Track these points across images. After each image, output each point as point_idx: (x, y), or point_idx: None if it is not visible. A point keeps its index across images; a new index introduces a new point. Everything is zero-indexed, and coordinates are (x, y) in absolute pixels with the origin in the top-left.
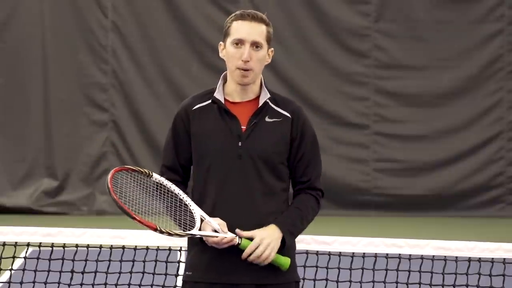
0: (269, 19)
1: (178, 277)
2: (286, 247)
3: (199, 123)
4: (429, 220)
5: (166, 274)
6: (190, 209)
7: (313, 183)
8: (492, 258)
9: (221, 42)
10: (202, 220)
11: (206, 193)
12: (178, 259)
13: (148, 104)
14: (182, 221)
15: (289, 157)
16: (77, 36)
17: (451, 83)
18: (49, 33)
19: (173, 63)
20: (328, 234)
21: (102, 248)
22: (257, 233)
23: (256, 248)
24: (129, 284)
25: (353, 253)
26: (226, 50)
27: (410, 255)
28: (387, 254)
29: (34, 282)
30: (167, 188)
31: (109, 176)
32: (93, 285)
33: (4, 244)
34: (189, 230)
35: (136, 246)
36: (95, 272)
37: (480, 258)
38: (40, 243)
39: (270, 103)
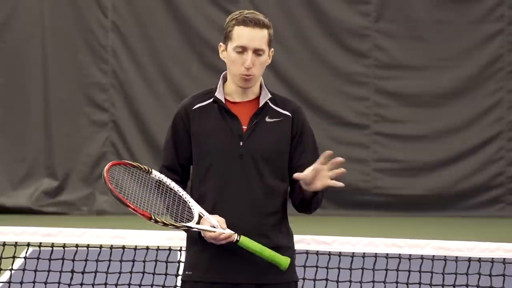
0: (269, 19)
1: (178, 277)
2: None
3: (199, 123)
4: (429, 220)
5: (166, 274)
6: (188, 205)
7: None
8: (492, 258)
9: (221, 44)
10: (200, 217)
11: (206, 193)
12: (178, 259)
13: (148, 104)
14: (179, 215)
15: (289, 155)
16: (77, 36)
17: (451, 83)
18: (49, 33)
19: (173, 63)
20: (328, 234)
21: (102, 248)
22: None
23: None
24: (129, 284)
25: (353, 253)
26: (228, 55)
27: (410, 255)
28: (387, 254)
29: (34, 282)
30: (166, 184)
31: (106, 167)
32: (93, 285)
33: (4, 244)
34: (186, 223)
35: (136, 246)
36: (95, 272)
37: (480, 258)
38: (40, 243)
39: (270, 103)
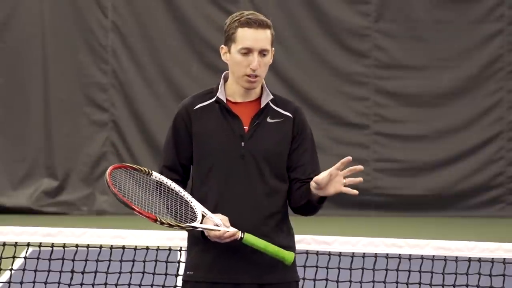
0: (269, 19)
1: (178, 277)
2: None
3: (201, 123)
4: (429, 220)
5: (166, 274)
6: (191, 205)
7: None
8: (492, 258)
9: (223, 46)
10: (203, 216)
11: (208, 193)
12: (178, 259)
13: (148, 104)
14: (183, 216)
15: (289, 155)
16: (77, 36)
17: (451, 83)
18: (49, 33)
19: (173, 63)
20: (328, 234)
21: (102, 248)
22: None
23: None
24: (129, 284)
25: (353, 253)
26: (232, 57)
27: (410, 255)
28: (387, 254)
29: (34, 282)
30: (167, 186)
31: (108, 171)
32: (93, 285)
33: (4, 244)
34: (191, 223)
35: (136, 246)
36: (95, 272)
37: (480, 258)
38: (40, 243)
39: (271, 104)
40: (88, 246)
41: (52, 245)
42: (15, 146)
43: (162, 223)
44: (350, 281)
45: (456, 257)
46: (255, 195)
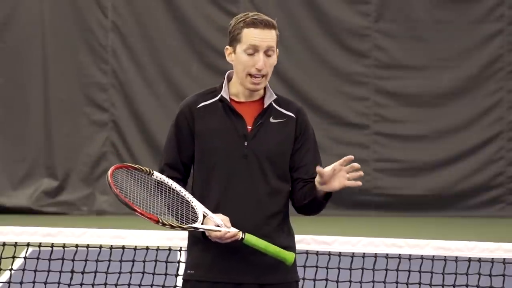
0: (274, 19)
1: (178, 277)
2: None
3: (204, 121)
4: (429, 220)
5: (166, 274)
6: (192, 205)
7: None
8: (492, 258)
9: (227, 47)
10: (204, 216)
11: (209, 192)
12: (178, 259)
13: (148, 104)
14: (184, 216)
15: (292, 155)
16: (77, 36)
17: (451, 83)
18: (49, 33)
19: (173, 63)
20: (328, 234)
21: (102, 248)
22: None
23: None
24: (129, 284)
25: (353, 253)
26: (237, 57)
27: (410, 255)
28: (387, 254)
29: (34, 282)
30: (168, 185)
31: (110, 172)
32: (93, 285)
33: (4, 244)
34: (192, 224)
35: (136, 246)
36: (95, 272)
37: (480, 258)
38: (40, 243)
39: (274, 104)
40: (88, 246)
41: (52, 245)
42: (15, 146)
43: (164, 225)
44: (350, 281)
45: (456, 257)
46: (257, 195)
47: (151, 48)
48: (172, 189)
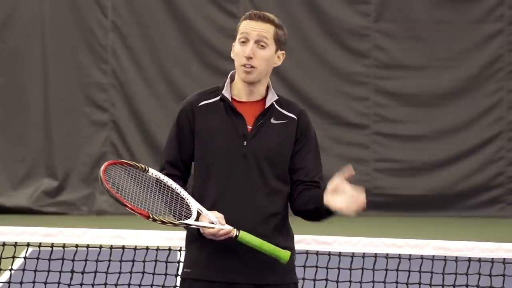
0: (278, 17)
1: (178, 277)
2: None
3: (204, 120)
4: (429, 220)
5: (166, 274)
6: (186, 202)
7: (318, 181)
8: (492, 258)
9: (233, 43)
10: (199, 213)
11: (208, 191)
12: (177, 259)
13: (148, 104)
14: (178, 212)
15: (292, 157)
16: (77, 36)
17: (451, 83)
18: (49, 33)
19: (173, 63)
20: (328, 234)
21: (102, 248)
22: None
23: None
24: (129, 284)
25: (353, 253)
26: (234, 49)
27: (410, 255)
28: (387, 254)
29: (34, 282)
30: (164, 182)
31: (102, 168)
32: (93, 285)
33: (4, 244)
34: (184, 220)
35: (136, 246)
36: (95, 272)
37: (480, 258)
38: (40, 243)
39: (276, 105)
40: (88, 246)
41: (52, 245)
42: (15, 146)
43: (154, 220)
44: (350, 281)
45: (456, 257)
46: (256, 195)
47: (151, 48)
48: (168, 186)
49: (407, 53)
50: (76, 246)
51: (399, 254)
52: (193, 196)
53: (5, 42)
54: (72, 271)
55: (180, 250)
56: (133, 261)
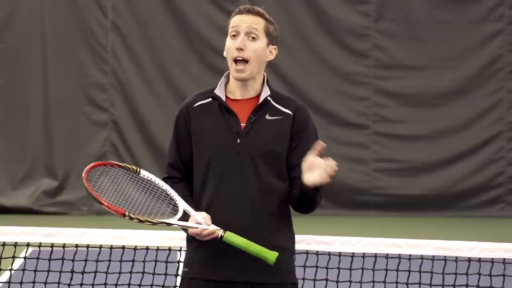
0: (265, 11)
1: (178, 277)
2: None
3: (199, 120)
4: (429, 220)
5: (166, 274)
6: (175, 202)
7: None
8: (492, 258)
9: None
10: (186, 213)
11: (205, 190)
12: (178, 259)
13: (148, 104)
14: (161, 211)
15: (289, 153)
16: (77, 36)
17: (451, 83)
18: (49, 33)
19: (173, 63)
20: (328, 234)
21: (102, 248)
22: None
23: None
24: (129, 284)
25: (353, 253)
26: (226, 45)
27: (410, 255)
28: (387, 254)
29: (34, 282)
30: (155, 183)
31: (87, 168)
32: (93, 285)
33: (4, 244)
34: (165, 219)
35: (136, 246)
36: (95, 272)
37: (480, 258)
38: (40, 243)
39: (271, 101)
40: (88, 246)
41: (52, 245)
42: (15, 146)
43: (131, 218)
44: (350, 281)
45: (456, 257)
46: (250, 193)
47: (151, 48)
48: (158, 187)
49: (407, 53)
50: (76, 246)
51: (399, 254)
52: (194, 196)
53: (5, 42)
54: (72, 271)
55: (180, 250)
56: (133, 261)
